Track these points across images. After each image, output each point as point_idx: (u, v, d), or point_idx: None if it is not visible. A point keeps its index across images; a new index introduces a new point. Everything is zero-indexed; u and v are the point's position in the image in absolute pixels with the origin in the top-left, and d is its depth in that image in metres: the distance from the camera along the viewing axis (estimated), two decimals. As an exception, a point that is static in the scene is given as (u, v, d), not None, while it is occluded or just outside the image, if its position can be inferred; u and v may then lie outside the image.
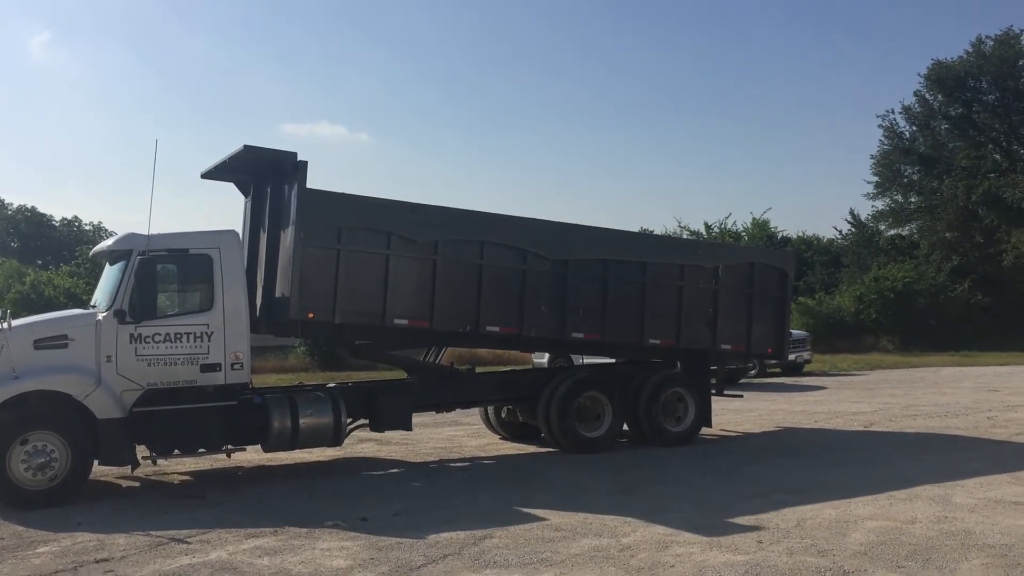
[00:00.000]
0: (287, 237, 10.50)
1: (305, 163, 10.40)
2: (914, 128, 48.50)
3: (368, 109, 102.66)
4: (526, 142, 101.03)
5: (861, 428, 14.23)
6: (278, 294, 10.67)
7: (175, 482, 10.42)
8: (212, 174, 11.51)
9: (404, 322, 11.01)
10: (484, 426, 13.85)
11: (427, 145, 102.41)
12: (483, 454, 12.32)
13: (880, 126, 48.38)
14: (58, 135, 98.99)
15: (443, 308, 11.18)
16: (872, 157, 48.97)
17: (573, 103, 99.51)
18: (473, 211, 11.77)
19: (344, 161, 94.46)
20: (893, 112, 48.28)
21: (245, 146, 10.49)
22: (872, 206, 49.66)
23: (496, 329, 11.62)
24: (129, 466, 9.70)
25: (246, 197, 11.76)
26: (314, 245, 10.37)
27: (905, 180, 48.54)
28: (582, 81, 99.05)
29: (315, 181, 10.43)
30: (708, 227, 46.34)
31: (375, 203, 10.97)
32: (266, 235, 11.09)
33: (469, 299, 11.37)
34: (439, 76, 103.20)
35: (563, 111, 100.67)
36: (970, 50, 45.75)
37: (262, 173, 11.24)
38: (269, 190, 11.13)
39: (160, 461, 10.00)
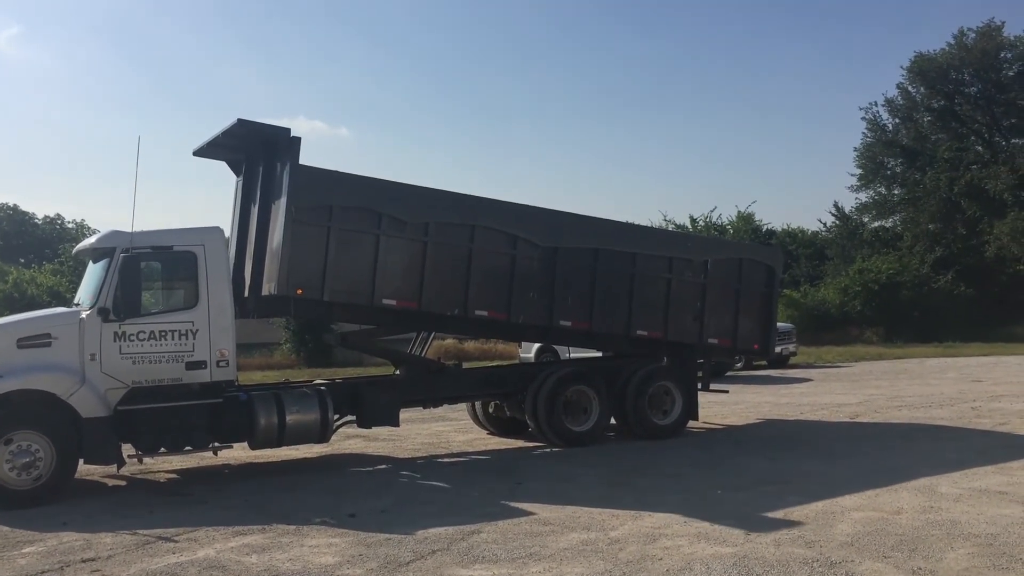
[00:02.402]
0: (278, 213, 10.45)
1: (298, 139, 10.39)
2: (897, 120, 48.79)
3: (347, 103, 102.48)
4: (508, 135, 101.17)
5: (847, 420, 14.31)
6: (267, 271, 10.61)
7: (161, 480, 10.36)
8: (204, 151, 11.50)
9: (393, 303, 10.97)
10: (471, 421, 13.83)
11: (408, 138, 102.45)
12: (471, 449, 12.31)
13: (863, 118, 48.70)
14: (37, 131, 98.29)
15: (432, 290, 11.16)
16: (855, 149, 49.28)
17: (555, 94, 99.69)
18: (465, 195, 11.77)
19: (324, 156, 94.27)
20: (876, 105, 48.60)
21: (239, 120, 10.46)
22: (856, 198, 50.03)
23: (484, 314, 11.61)
24: (115, 465, 9.63)
25: (237, 176, 11.76)
26: (305, 222, 10.32)
27: (888, 172, 48.81)
28: (564, 72, 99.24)
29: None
30: (693, 220, 46.51)
31: (367, 182, 10.95)
32: (257, 212, 11.05)
33: (458, 282, 11.36)
34: (419, 68, 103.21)
35: (545, 103, 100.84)
36: (952, 42, 46.01)
37: (254, 150, 11.19)
38: (261, 168, 11.06)
39: (146, 459, 9.96)
